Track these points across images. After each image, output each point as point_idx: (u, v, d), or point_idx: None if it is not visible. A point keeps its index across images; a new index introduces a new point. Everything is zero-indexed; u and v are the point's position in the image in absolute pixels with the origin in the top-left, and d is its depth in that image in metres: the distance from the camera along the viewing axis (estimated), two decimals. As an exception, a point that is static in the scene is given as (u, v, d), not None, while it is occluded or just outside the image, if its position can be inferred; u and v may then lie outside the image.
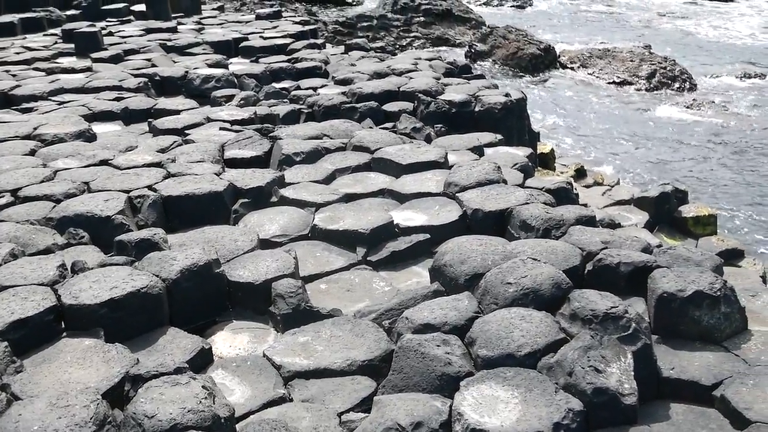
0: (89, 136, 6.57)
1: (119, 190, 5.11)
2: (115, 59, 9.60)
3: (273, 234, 4.73)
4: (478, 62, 16.53)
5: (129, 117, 7.38)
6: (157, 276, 3.80)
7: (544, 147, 9.04)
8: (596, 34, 21.64)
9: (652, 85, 15.59)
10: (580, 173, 8.86)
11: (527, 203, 4.74)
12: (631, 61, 16.42)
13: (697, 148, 12.10)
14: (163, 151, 6.10)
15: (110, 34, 11.11)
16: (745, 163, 11.55)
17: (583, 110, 14.11)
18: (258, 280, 4.02)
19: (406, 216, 4.85)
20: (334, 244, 4.64)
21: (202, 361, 3.48)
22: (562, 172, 8.65)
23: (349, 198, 5.19)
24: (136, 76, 8.67)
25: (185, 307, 3.84)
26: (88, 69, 9.16)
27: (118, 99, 7.79)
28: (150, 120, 7.09)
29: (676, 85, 15.71)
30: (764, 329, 3.71)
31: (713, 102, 14.75)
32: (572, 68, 16.61)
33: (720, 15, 26.54)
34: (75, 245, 4.50)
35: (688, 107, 14.36)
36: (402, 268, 4.50)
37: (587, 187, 8.49)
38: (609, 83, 15.79)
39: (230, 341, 3.77)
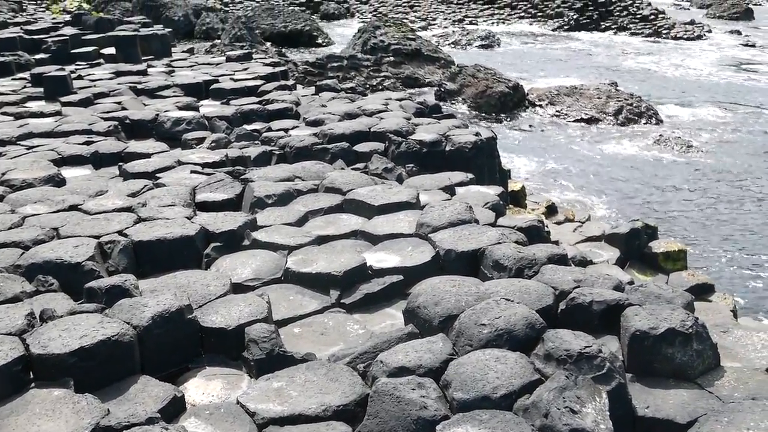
0: (58, 181, 6.51)
1: (89, 236, 5.06)
2: (85, 103, 9.56)
3: (245, 278, 4.70)
4: (448, 101, 16.69)
5: (99, 161, 7.33)
6: (128, 323, 3.76)
7: (514, 184, 9.13)
8: (563, 72, 21.99)
9: (619, 122, 15.82)
10: (551, 210, 8.95)
11: (499, 243, 4.77)
12: (598, 98, 16.66)
13: (665, 184, 12.26)
14: (133, 195, 6.07)
15: (80, 77, 11.08)
16: (711, 197, 11.72)
17: (553, 147, 14.27)
18: (231, 325, 3.99)
19: (379, 257, 4.84)
20: (308, 287, 4.63)
21: (174, 410, 3.43)
22: (533, 210, 8.72)
23: (321, 240, 5.18)
24: (105, 119, 8.64)
25: (157, 355, 3.79)
26: (58, 113, 9.11)
27: (87, 143, 7.74)
28: (120, 164, 7.05)
29: (643, 121, 15.96)
30: (737, 365, 3.74)
31: (679, 137, 14.99)
32: (541, 105, 16.82)
33: (682, 51, 27.13)
34: (44, 293, 4.43)
35: (655, 143, 14.57)
36: (376, 311, 4.48)
37: (558, 223, 8.56)
38: (577, 120, 16.00)
39: (203, 388, 3.73)
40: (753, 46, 28.81)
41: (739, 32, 31.95)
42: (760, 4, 45.01)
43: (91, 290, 4.23)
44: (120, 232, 5.15)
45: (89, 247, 4.85)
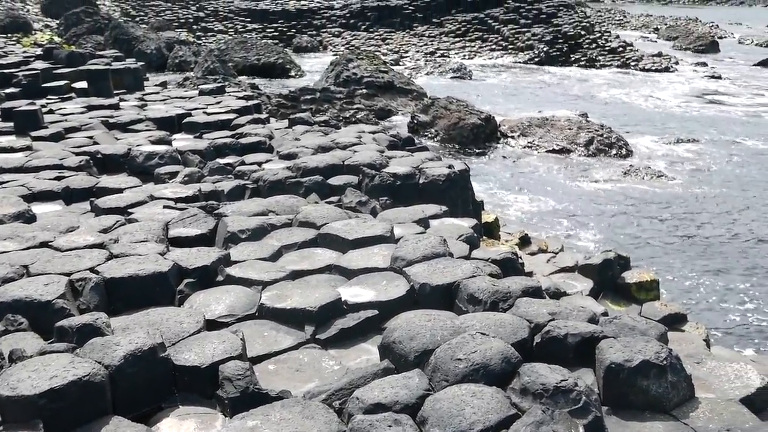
0: (28, 217, 6.43)
1: (60, 273, 4.99)
2: (56, 137, 9.48)
3: (219, 314, 4.66)
4: (421, 132, 16.80)
5: (70, 196, 7.26)
6: (99, 363, 3.70)
7: (488, 216, 9.17)
8: (534, 104, 22.25)
9: (590, 152, 16.01)
10: (525, 241, 8.98)
11: (474, 276, 4.78)
12: (569, 129, 16.87)
13: (636, 214, 12.39)
14: (105, 231, 6.00)
15: (51, 111, 10.99)
16: (681, 226, 11.86)
17: (525, 178, 14.39)
18: (204, 363, 3.94)
19: (353, 292, 4.83)
20: (282, 323, 4.59)
21: (147, 451, 3.37)
22: (506, 241, 8.76)
23: (296, 275, 5.16)
24: (77, 154, 8.56)
25: (129, 394, 3.73)
26: (28, 148, 9.02)
27: (58, 178, 7.66)
28: (92, 199, 6.98)
29: (613, 151, 16.17)
30: (711, 396, 3.76)
31: (649, 167, 15.20)
32: (513, 137, 16.98)
33: (651, 83, 27.59)
34: (13, 332, 4.35)
35: (625, 173, 14.75)
36: (351, 346, 4.46)
37: (532, 254, 8.60)
38: (549, 151, 16.17)
39: (177, 428, 3.67)
40: (719, 77, 29.40)
41: (705, 64, 32.62)
42: (725, 37, 46.04)
43: (61, 329, 4.16)
44: (91, 269, 5.08)
45: (60, 284, 4.78)
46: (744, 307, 8.97)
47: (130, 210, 6.59)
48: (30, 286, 4.77)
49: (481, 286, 4.59)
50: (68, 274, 4.97)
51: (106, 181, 7.67)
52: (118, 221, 6.22)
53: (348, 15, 37.92)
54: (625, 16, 59.36)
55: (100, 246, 5.57)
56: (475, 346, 3.72)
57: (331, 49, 34.37)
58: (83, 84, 12.76)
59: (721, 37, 44.71)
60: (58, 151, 8.77)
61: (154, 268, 5.01)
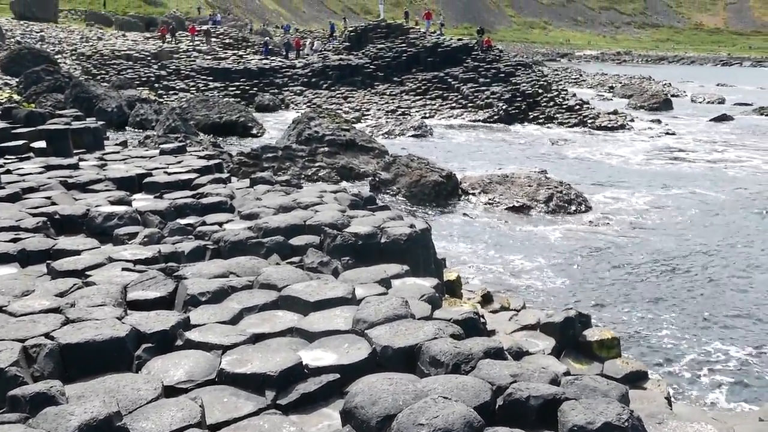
0: (-18, 281, 6.29)
1: (13, 340, 4.86)
2: (13, 198, 9.33)
3: (178, 380, 4.57)
4: (383, 189, 16.90)
5: (26, 259, 7.12)
6: (52, 434, 3.60)
7: (450, 274, 9.19)
8: (495, 161, 22.57)
9: (550, 209, 16.22)
10: (487, 299, 9.02)
11: (435, 338, 4.76)
12: (529, 186, 17.10)
13: (596, 269, 12.52)
14: (61, 295, 5.88)
15: (8, 171, 10.85)
16: (640, 280, 12.00)
17: (487, 235, 14.49)
18: (162, 432, 3.85)
19: (315, 355, 4.78)
20: (242, 388, 4.52)
21: None
22: (469, 299, 8.78)
23: (256, 338, 5.10)
24: (34, 215, 8.42)
25: (83, 467, 3.63)
26: (-16, 209, 8.87)
27: (14, 240, 7.51)
28: (48, 262, 6.86)
29: (573, 207, 16.40)
30: (672, 458, 3.77)
31: (608, 223, 15.45)
32: (474, 194, 17.15)
33: (607, 140, 28.21)
34: (-37, 402, 4.23)
35: (584, 229, 14.96)
36: (313, 411, 4.40)
37: (494, 312, 8.62)
38: (509, 208, 16.34)
39: (132, 501, 3.56)
40: (673, 134, 30.21)
41: (659, 121, 33.50)
42: (678, 95, 47.40)
43: (14, 399, 4.05)
44: (46, 335, 4.96)
45: (13, 351, 4.66)
46: (705, 360, 9.05)
47: (87, 272, 6.48)
48: (-18, 353, 4.64)
49: (443, 348, 4.58)
50: (22, 340, 4.85)
51: (64, 242, 7.54)
52: (75, 284, 6.10)
53: (310, 74, 38.35)
54: (581, 75, 60.99)
55: (56, 310, 5.45)
56: (437, 411, 3.70)
57: (293, 108, 34.64)
58: (42, 143, 12.64)
59: (674, 95, 46.08)
60: (14, 212, 8.62)
61: (111, 333, 4.91)
